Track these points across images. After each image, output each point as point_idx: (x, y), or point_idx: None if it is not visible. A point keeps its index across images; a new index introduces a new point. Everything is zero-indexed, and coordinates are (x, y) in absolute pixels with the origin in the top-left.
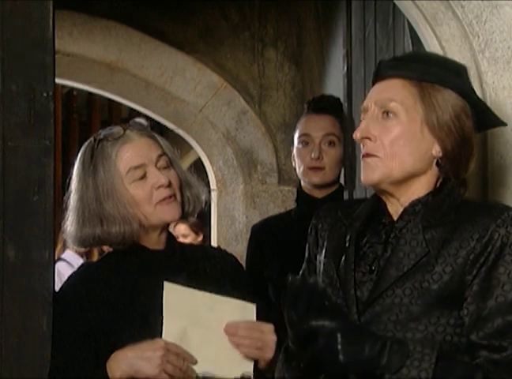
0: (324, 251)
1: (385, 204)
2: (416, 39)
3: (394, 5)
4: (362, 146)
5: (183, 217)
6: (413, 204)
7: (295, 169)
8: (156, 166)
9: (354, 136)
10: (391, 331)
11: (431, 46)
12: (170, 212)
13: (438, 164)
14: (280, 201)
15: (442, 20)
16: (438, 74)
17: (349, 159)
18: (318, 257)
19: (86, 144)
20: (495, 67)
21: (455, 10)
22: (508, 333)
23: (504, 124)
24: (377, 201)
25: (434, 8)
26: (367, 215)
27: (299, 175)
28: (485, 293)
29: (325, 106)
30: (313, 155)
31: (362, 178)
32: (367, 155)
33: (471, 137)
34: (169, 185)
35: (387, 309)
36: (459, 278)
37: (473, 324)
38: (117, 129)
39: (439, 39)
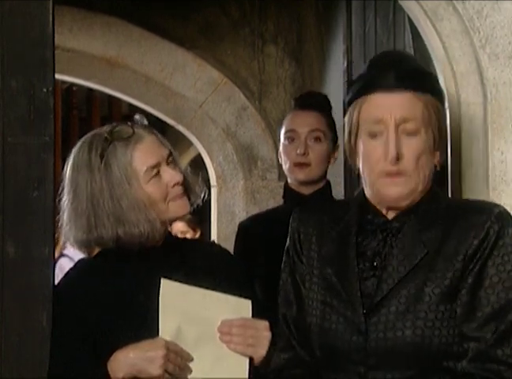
0: (316, 257)
1: (373, 205)
2: (416, 34)
3: (395, 0)
4: (389, 163)
5: None
6: (409, 206)
7: (281, 165)
8: (167, 163)
9: (390, 156)
10: (395, 330)
11: (432, 41)
12: (182, 206)
13: (435, 167)
14: (281, 197)
15: (442, 15)
16: (432, 84)
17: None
18: (304, 261)
19: (87, 143)
20: (496, 63)
21: (456, 5)
22: (497, 321)
23: None
24: (364, 202)
25: (435, 3)
26: (358, 218)
27: (286, 172)
28: (476, 285)
29: (312, 102)
30: (298, 151)
31: (386, 192)
32: (398, 174)
33: None
34: (182, 182)
35: (393, 311)
36: (460, 274)
37: (465, 315)
38: (125, 128)
39: (440, 34)
